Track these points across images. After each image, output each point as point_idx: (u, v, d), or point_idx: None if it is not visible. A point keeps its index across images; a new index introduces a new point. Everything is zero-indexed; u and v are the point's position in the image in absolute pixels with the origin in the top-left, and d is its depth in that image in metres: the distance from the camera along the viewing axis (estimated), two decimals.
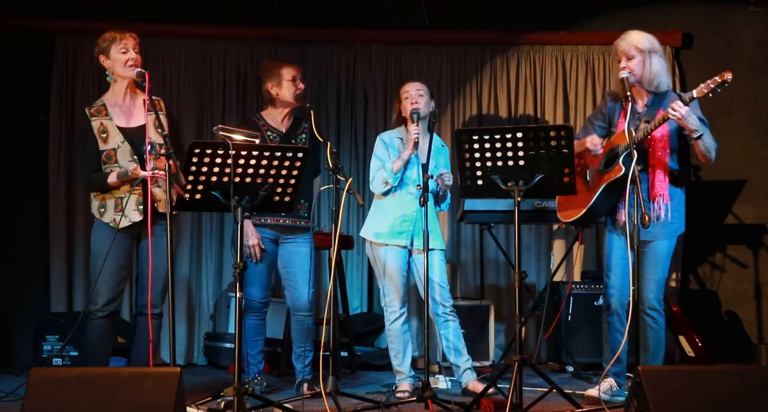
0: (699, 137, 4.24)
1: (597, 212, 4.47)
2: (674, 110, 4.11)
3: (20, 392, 3.95)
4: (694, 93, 4.14)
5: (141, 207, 4.23)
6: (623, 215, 4.38)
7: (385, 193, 4.77)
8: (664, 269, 4.44)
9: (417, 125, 4.63)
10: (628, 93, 4.24)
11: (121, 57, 4.26)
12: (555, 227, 6.40)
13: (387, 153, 4.79)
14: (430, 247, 4.48)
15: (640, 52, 4.35)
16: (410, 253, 4.77)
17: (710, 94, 4.11)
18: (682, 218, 4.48)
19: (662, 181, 4.36)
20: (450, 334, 4.72)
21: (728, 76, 4.06)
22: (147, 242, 4.27)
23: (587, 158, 4.50)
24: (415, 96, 4.74)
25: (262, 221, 4.72)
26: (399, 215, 4.73)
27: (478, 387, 4.61)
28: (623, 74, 4.30)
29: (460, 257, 6.50)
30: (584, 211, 4.45)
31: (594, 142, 4.40)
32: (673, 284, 6.30)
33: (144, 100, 4.34)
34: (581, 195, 4.39)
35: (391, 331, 4.77)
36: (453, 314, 4.74)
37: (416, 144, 4.60)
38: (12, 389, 4.39)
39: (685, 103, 4.14)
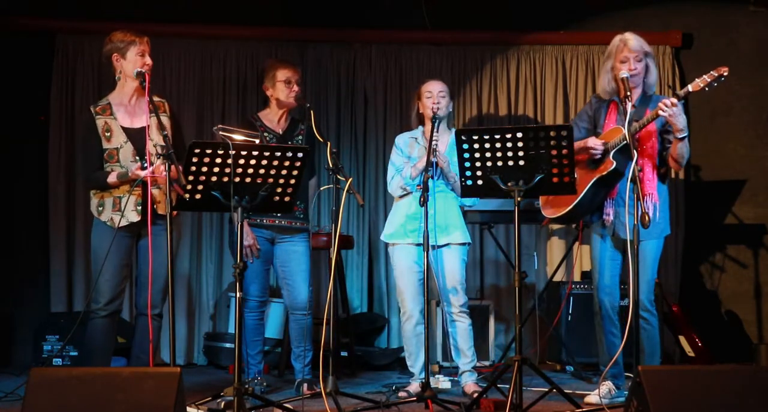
0: (682, 139, 4.23)
1: (583, 208, 4.44)
2: (666, 106, 4.10)
3: (20, 392, 3.95)
4: (690, 87, 4.12)
5: (139, 208, 4.23)
6: (611, 215, 4.38)
7: (403, 195, 4.77)
8: (653, 269, 4.42)
9: (437, 132, 4.55)
10: (628, 93, 4.23)
11: (139, 60, 4.27)
12: (544, 224, 6.38)
13: (402, 157, 4.77)
14: (446, 242, 4.64)
15: (646, 56, 4.37)
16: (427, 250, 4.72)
17: (706, 88, 4.09)
18: (668, 219, 4.47)
19: (651, 180, 4.36)
20: (456, 334, 4.72)
21: (724, 70, 4.05)
22: (146, 241, 4.27)
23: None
24: (437, 96, 4.71)
25: (258, 221, 4.72)
26: (410, 213, 4.71)
27: (473, 389, 4.62)
28: (624, 74, 4.30)
29: None
30: (571, 207, 4.41)
31: (595, 143, 4.38)
32: (673, 284, 6.30)
33: (149, 100, 4.36)
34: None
35: (403, 332, 4.78)
36: (463, 315, 4.71)
37: (435, 151, 4.50)
38: (12, 389, 4.39)
39: (680, 98, 4.13)
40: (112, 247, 4.20)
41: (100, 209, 4.30)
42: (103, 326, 4.28)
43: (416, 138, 4.78)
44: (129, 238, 4.32)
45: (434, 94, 4.71)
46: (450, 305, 4.71)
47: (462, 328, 4.72)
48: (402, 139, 4.85)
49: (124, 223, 4.23)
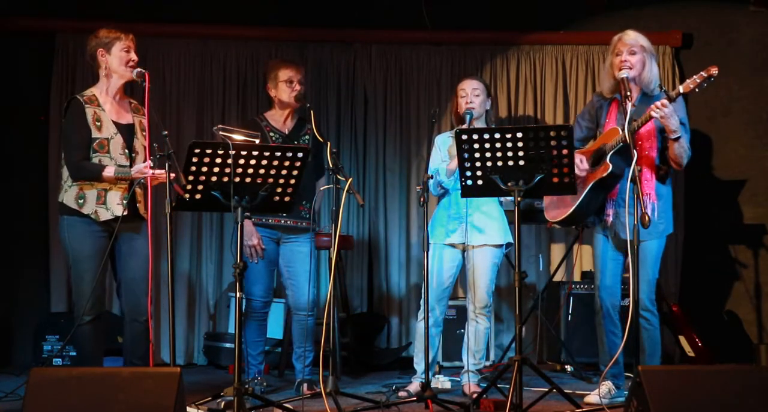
0: (676, 139, 4.23)
1: (584, 211, 4.45)
2: (657, 108, 4.11)
3: (20, 392, 3.95)
4: (681, 88, 4.13)
5: (125, 202, 4.19)
6: (611, 216, 4.39)
7: (442, 195, 4.78)
8: (654, 269, 4.43)
9: (469, 126, 4.55)
10: (628, 92, 4.23)
11: (124, 56, 4.26)
12: (548, 227, 6.38)
13: (440, 156, 4.77)
14: (482, 243, 4.65)
15: (643, 51, 4.37)
16: (464, 249, 4.75)
17: (696, 89, 4.11)
18: (670, 219, 4.47)
19: (649, 180, 4.36)
20: (469, 333, 4.74)
21: (714, 70, 4.05)
22: (124, 244, 4.27)
23: None
24: (470, 95, 4.72)
25: (264, 220, 4.72)
26: (451, 213, 4.72)
27: (472, 389, 4.62)
28: (623, 74, 4.30)
29: None
30: (571, 210, 4.43)
31: (580, 168, 4.35)
32: (673, 284, 6.30)
33: (130, 102, 4.38)
34: (569, 195, 4.38)
35: (416, 329, 4.77)
36: (482, 317, 4.73)
37: None
38: (12, 389, 4.39)
39: (672, 99, 4.13)
40: (92, 249, 4.17)
41: (81, 201, 4.20)
42: (90, 331, 4.24)
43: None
44: (105, 238, 4.21)
45: (468, 93, 4.72)
46: (472, 305, 4.72)
47: (476, 329, 4.73)
48: (441, 139, 4.85)
49: (108, 216, 4.17)
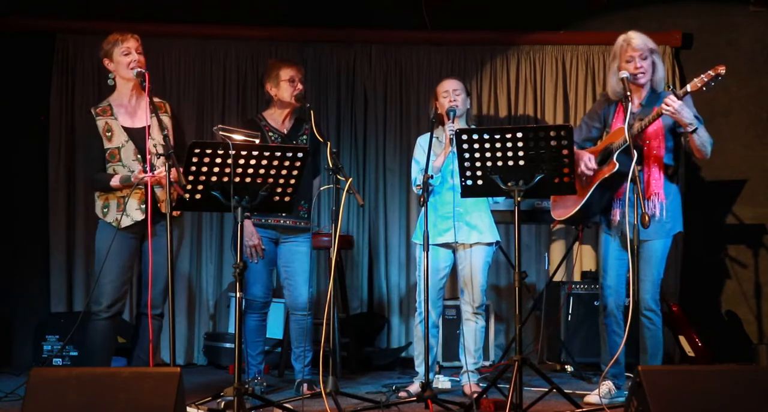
0: (694, 131, 4.22)
1: (591, 210, 4.46)
2: (667, 105, 4.11)
3: (20, 392, 3.95)
4: (688, 87, 4.13)
5: (143, 206, 4.23)
6: (618, 215, 4.38)
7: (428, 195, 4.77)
8: (659, 269, 4.42)
9: (453, 122, 4.60)
10: (628, 92, 4.24)
11: (124, 59, 4.28)
12: (554, 227, 6.39)
13: (425, 155, 4.77)
14: (475, 241, 4.67)
15: (652, 53, 4.37)
16: (456, 249, 4.75)
17: (704, 88, 4.10)
18: (679, 217, 4.47)
19: (657, 179, 4.35)
20: (466, 333, 4.74)
21: (721, 69, 4.05)
22: (149, 242, 4.28)
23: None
24: (452, 94, 4.73)
25: (263, 221, 4.73)
26: (442, 213, 4.72)
27: (472, 389, 4.62)
28: (623, 74, 4.30)
29: None
30: (578, 208, 4.43)
31: (588, 166, 4.38)
32: (673, 284, 6.30)
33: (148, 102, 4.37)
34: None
35: (416, 331, 4.78)
36: (477, 316, 4.73)
37: (452, 141, 4.52)
38: (12, 389, 4.39)
39: (679, 98, 4.13)
40: (116, 248, 4.21)
41: (105, 210, 4.31)
42: (104, 328, 4.28)
43: (438, 137, 4.76)
44: (134, 239, 4.32)
45: (450, 93, 4.73)
46: (467, 305, 4.73)
47: (473, 328, 4.73)
48: (424, 139, 4.84)
49: (128, 222, 4.23)
